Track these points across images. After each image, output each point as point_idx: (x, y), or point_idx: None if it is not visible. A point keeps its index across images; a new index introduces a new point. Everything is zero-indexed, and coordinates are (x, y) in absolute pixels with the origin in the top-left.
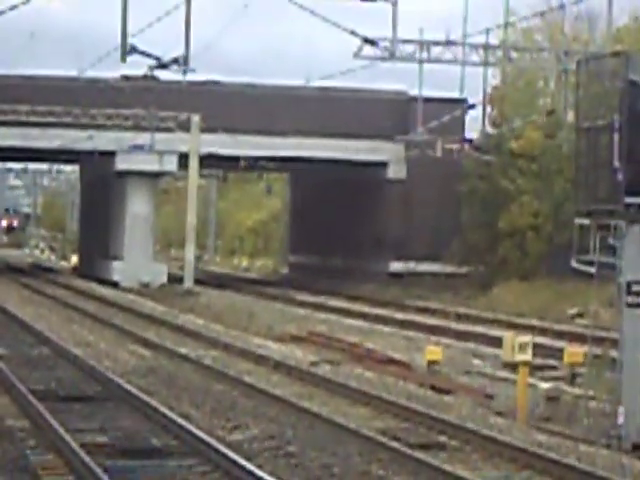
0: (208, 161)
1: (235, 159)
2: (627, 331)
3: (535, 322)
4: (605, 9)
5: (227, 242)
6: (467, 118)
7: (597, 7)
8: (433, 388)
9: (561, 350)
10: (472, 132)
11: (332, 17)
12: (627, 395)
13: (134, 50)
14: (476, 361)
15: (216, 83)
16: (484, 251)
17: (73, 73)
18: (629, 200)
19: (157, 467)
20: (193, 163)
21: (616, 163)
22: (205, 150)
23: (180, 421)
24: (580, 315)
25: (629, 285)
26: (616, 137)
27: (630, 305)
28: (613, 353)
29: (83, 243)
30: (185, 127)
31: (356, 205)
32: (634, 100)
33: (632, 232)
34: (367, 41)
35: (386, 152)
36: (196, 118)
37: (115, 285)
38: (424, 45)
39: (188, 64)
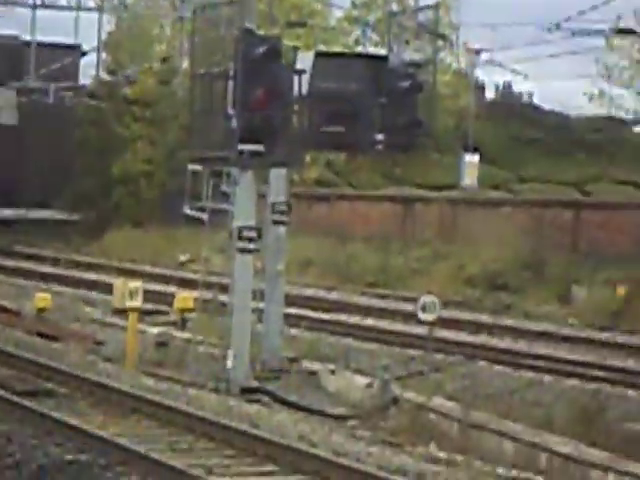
0: None
1: None
2: (237, 276)
3: (147, 268)
4: None
5: None
6: (82, 64)
7: None
8: (41, 335)
9: (172, 296)
10: (87, 78)
11: None
12: (236, 339)
13: None
14: (87, 308)
15: None
16: (97, 198)
17: None
18: (242, 147)
19: None
20: None
21: (230, 110)
22: None
23: None
24: (192, 261)
25: (240, 231)
26: (231, 84)
27: (241, 250)
28: (223, 298)
29: None
30: None
31: None
32: (248, 48)
33: (244, 179)
34: None
35: None
36: None
37: None
38: None
39: None
